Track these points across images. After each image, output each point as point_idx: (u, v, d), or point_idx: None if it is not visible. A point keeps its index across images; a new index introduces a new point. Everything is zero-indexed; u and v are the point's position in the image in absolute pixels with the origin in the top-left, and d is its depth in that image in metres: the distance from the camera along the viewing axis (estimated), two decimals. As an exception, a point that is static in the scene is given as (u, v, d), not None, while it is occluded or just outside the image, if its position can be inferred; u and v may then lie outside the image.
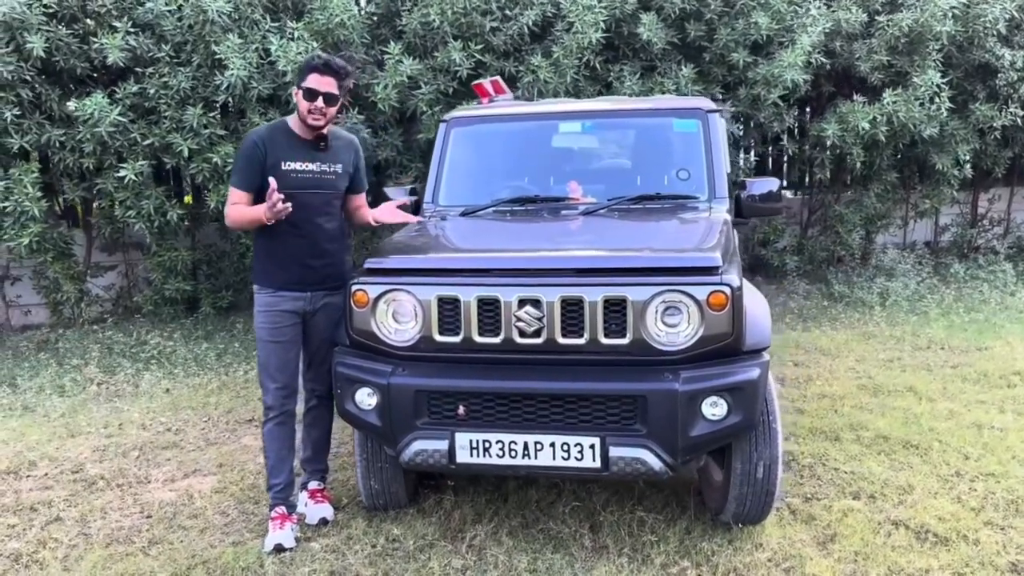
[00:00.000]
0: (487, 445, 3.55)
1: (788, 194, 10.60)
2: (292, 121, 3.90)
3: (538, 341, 3.55)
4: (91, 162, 7.05)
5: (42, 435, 5.20)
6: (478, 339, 3.59)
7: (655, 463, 3.46)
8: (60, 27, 6.89)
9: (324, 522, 4.04)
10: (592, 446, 3.48)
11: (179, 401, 5.88)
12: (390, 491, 4.08)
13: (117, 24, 6.85)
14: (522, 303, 3.54)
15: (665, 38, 8.11)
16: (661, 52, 8.21)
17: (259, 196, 3.78)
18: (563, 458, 3.52)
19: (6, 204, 6.74)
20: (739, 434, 3.62)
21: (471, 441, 3.56)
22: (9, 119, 6.70)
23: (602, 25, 7.53)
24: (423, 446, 3.60)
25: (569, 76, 7.56)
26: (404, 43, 7.62)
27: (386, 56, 7.28)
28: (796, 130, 9.49)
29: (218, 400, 5.87)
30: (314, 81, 3.78)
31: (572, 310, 3.52)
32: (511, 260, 3.69)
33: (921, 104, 8.41)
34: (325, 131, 3.91)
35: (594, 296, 3.49)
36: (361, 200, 4.21)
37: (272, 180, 3.71)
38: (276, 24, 7.23)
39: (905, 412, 5.26)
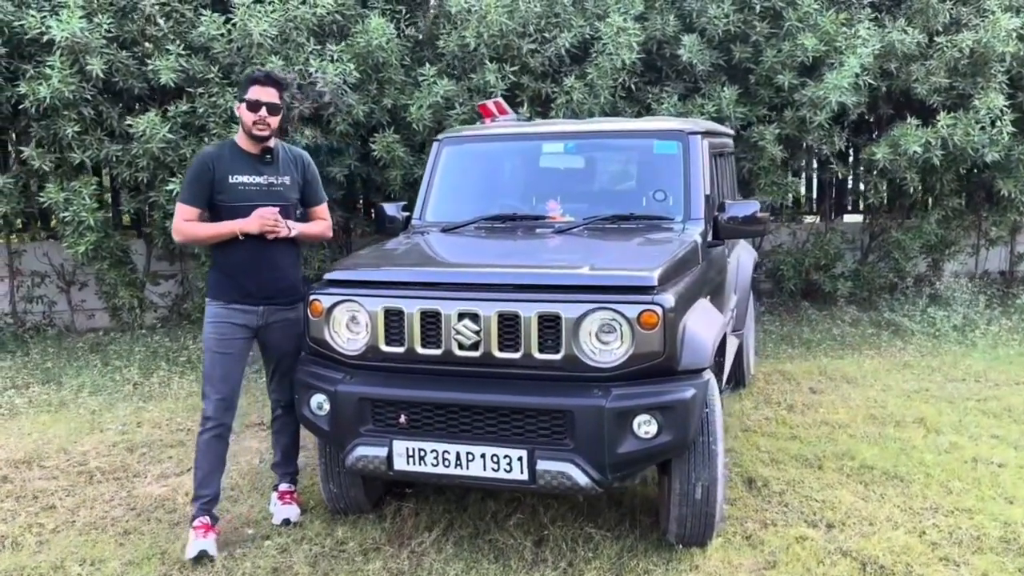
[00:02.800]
0: (422, 454, 3.67)
1: (852, 219, 10.37)
2: (239, 138, 4.05)
3: (476, 354, 3.66)
4: (145, 176, 7.50)
5: (65, 430, 5.57)
6: (420, 351, 3.72)
7: (581, 478, 3.51)
8: (120, 51, 7.38)
9: (286, 523, 4.21)
10: (520, 458, 3.55)
11: (199, 403, 6.17)
12: (348, 495, 4.23)
13: (169, 48, 7.29)
14: (461, 317, 3.65)
15: (709, 59, 8.10)
16: (705, 73, 8.19)
17: (211, 212, 4.00)
18: (493, 469, 3.60)
19: (67, 214, 7.25)
20: (671, 453, 3.63)
21: (407, 449, 3.68)
22: (71, 135, 7.21)
23: (635, 47, 7.56)
24: (364, 452, 3.75)
25: (603, 97, 7.62)
26: (444, 64, 7.85)
27: (420, 78, 7.51)
28: (849, 153, 9.26)
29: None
30: (256, 92, 3.94)
31: (509, 325, 3.61)
32: (451, 275, 3.83)
33: (982, 128, 8.11)
34: (271, 143, 4.04)
35: (529, 312, 3.57)
36: (321, 212, 4.32)
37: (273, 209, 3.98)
38: (319, 47, 7.54)
39: (903, 443, 5.10)
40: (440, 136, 5.18)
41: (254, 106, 3.94)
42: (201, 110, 7.44)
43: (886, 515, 4.16)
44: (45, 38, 6.97)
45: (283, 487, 4.36)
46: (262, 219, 3.95)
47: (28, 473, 4.89)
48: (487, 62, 7.60)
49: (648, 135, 4.82)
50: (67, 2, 6.99)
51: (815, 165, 9.56)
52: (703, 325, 3.81)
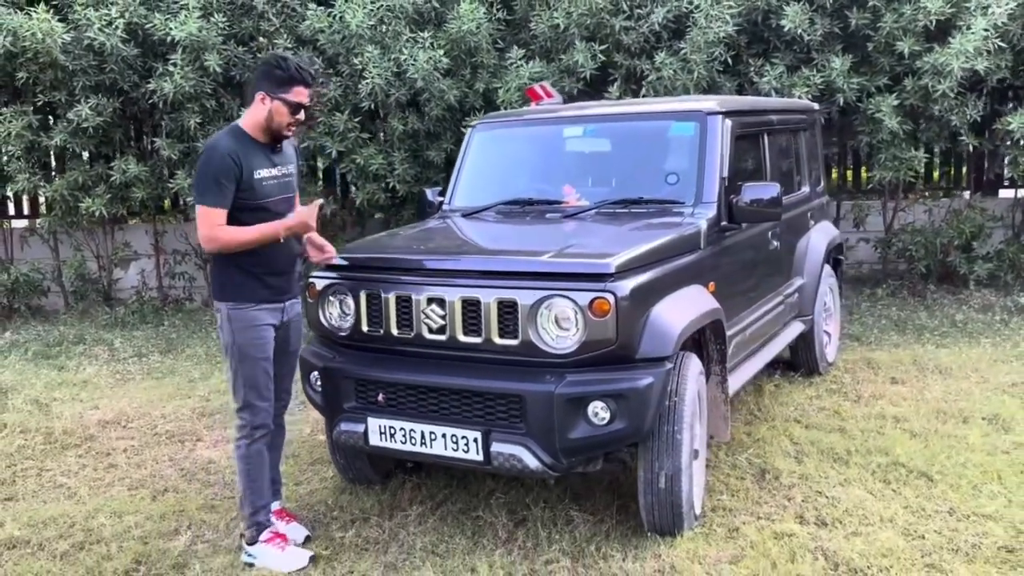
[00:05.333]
0: (392, 431, 3.85)
1: (1007, 194, 9.49)
2: (248, 126, 3.73)
3: (443, 338, 3.79)
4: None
5: (158, 395, 6.17)
6: (396, 333, 3.90)
7: (531, 461, 3.57)
8: (238, 46, 7.98)
9: (308, 539, 4.02)
10: (476, 440, 3.66)
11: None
12: (355, 467, 4.47)
13: (277, 41, 7.80)
14: (430, 302, 3.79)
15: (822, 28, 7.68)
16: (817, 43, 7.78)
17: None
18: (452, 449, 3.73)
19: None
20: (626, 441, 3.63)
21: (380, 426, 3.87)
22: (193, 126, 7.88)
23: (728, 19, 7.30)
24: (346, 427, 3.98)
25: (698, 73, 7.42)
26: (537, 46, 7.91)
27: (508, 61, 7.62)
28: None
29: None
30: (300, 95, 3.69)
31: (471, 310, 3.71)
32: (423, 261, 3.96)
33: None
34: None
35: (488, 297, 3.67)
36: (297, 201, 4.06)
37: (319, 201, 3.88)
38: (416, 35, 7.80)
39: (955, 441, 4.73)
40: (474, 122, 5.29)
41: (296, 108, 3.70)
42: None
43: (890, 515, 3.92)
44: (169, 38, 7.64)
45: (276, 506, 4.07)
46: (307, 221, 3.76)
47: (111, 433, 5.48)
48: (577, 42, 7.59)
49: (666, 116, 4.72)
50: (187, 3, 7.62)
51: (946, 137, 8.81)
52: (674, 313, 3.73)
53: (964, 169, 9.71)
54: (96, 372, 6.83)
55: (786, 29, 7.51)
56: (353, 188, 8.27)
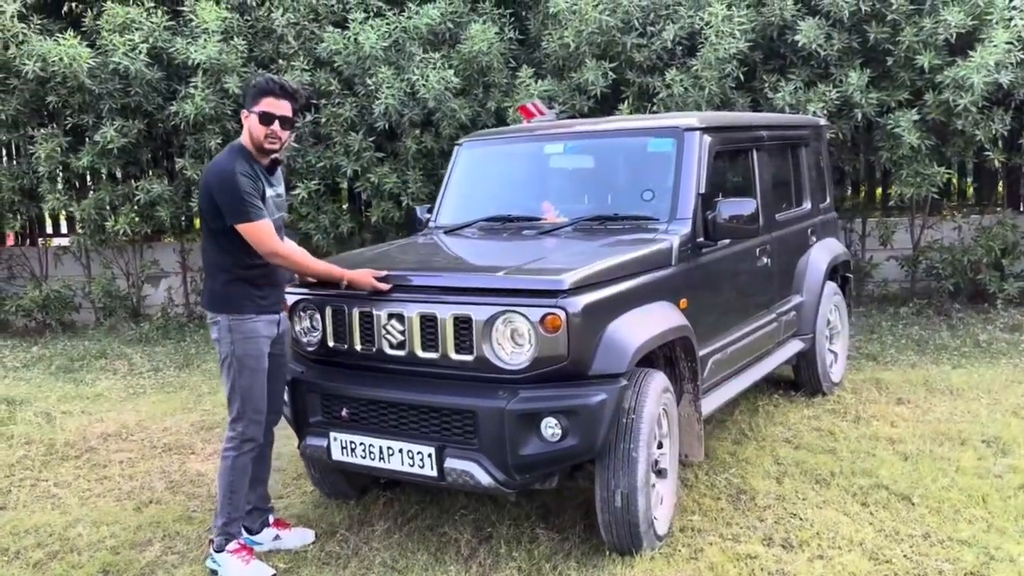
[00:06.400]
0: (353, 446, 3.87)
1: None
2: (247, 145, 3.79)
3: (402, 353, 3.82)
4: (279, 182, 8.23)
5: (163, 409, 6.30)
6: (359, 349, 3.94)
7: (483, 477, 3.57)
8: (258, 69, 8.16)
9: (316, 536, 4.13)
10: (430, 455, 3.67)
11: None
12: (329, 481, 4.50)
13: (295, 64, 7.95)
14: (391, 317, 3.82)
15: (839, 43, 7.57)
16: (835, 58, 7.66)
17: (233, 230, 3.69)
18: (409, 464, 3.74)
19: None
20: (579, 458, 3.60)
21: (341, 441, 3.90)
22: (214, 147, 8.07)
23: (739, 35, 7.23)
24: (311, 441, 4.02)
25: (709, 89, 7.36)
26: (549, 65, 7.94)
27: (517, 80, 7.65)
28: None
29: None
30: (270, 104, 3.72)
31: (429, 326, 3.73)
32: (383, 277, 3.97)
33: None
34: (279, 156, 3.92)
35: (444, 313, 3.68)
36: None
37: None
38: (430, 55, 7.88)
39: (947, 464, 4.58)
40: (461, 140, 5.33)
41: (266, 119, 3.71)
42: (324, 120, 8.06)
43: (860, 538, 3.81)
44: (191, 61, 7.85)
45: (272, 517, 4.18)
46: (373, 285, 3.85)
47: (111, 445, 5.60)
48: (587, 60, 7.60)
49: (644, 132, 4.68)
50: (208, 27, 7.83)
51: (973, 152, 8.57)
52: (632, 330, 3.70)
53: (999, 185, 9.43)
54: (110, 386, 7.00)
55: (800, 44, 7.42)
56: (367, 207, 8.37)
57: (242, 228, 3.68)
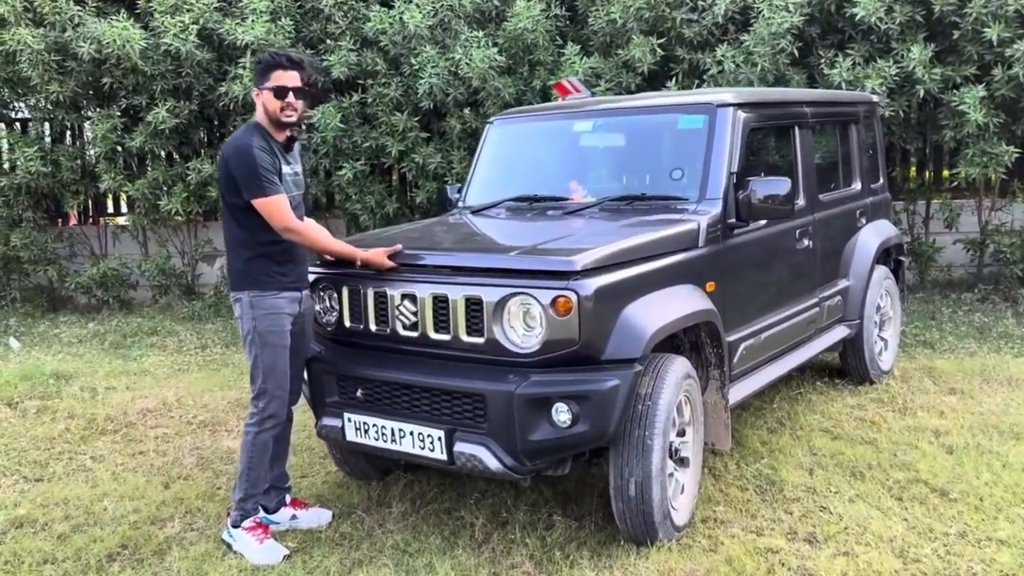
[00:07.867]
0: (366, 427, 3.83)
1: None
2: (262, 123, 3.80)
3: (415, 335, 3.76)
4: (326, 162, 8.26)
5: (204, 386, 6.37)
6: (374, 329, 3.89)
7: (492, 462, 3.49)
8: (306, 49, 8.17)
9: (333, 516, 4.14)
10: (440, 438, 3.61)
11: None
12: (350, 461, 4.47)
13: (342, 43, 7.93)
14: (404, 298, 3.77)
15: (900, 16, 7.23)
16: (896, 32, 7.32)
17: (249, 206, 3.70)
18: (420, 447, 3.68)
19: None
20: (589, 444, 3.51)
21: (355, 422, 3.87)
22: (263, 127, 8.10)
23: (792, 8, 6.96)
24: (327, 422, 4.00)
25: (762, 66, 7.11)
26: (596, 41, 7.77)
27: (563, 58, 7.50)
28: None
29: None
30: (280, 78, 3.73)
31: (441, 307, 3.66)
32: (401, 257, 3.89)
33: None
34: (296, 132, 3.90)
35: (456, 294, 3.61)
36: None
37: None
38: (475, 33, 7.78)
39: (993, 459, 4.34)
40: (492, 119, 5.23)
41: (280, 92, 3.72)
42: (371, 100, 8.03)
43: (890, 535, 3.63)
44: (239, 42, 7.89)
45: (289, 496, 4.20)
46: (383, 263, 3.83)
47: (149, 421, 5.69)
48: (634, 36, 7.41)
49: (675, 109, 4.52)
50: (256, 7, 7.86)
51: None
52: (649, 314, 3.57)
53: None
54: (157, 362, 7.12)
55: (859, 18, 7.10)
56: (415, 187, 8.34)
57: (258, 203, 3.69)
